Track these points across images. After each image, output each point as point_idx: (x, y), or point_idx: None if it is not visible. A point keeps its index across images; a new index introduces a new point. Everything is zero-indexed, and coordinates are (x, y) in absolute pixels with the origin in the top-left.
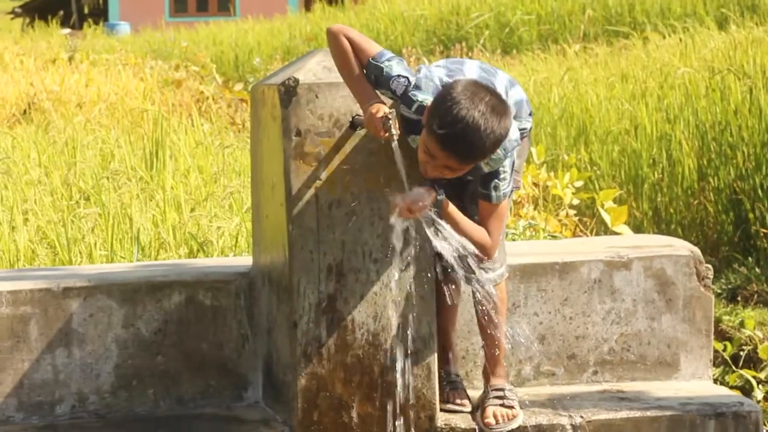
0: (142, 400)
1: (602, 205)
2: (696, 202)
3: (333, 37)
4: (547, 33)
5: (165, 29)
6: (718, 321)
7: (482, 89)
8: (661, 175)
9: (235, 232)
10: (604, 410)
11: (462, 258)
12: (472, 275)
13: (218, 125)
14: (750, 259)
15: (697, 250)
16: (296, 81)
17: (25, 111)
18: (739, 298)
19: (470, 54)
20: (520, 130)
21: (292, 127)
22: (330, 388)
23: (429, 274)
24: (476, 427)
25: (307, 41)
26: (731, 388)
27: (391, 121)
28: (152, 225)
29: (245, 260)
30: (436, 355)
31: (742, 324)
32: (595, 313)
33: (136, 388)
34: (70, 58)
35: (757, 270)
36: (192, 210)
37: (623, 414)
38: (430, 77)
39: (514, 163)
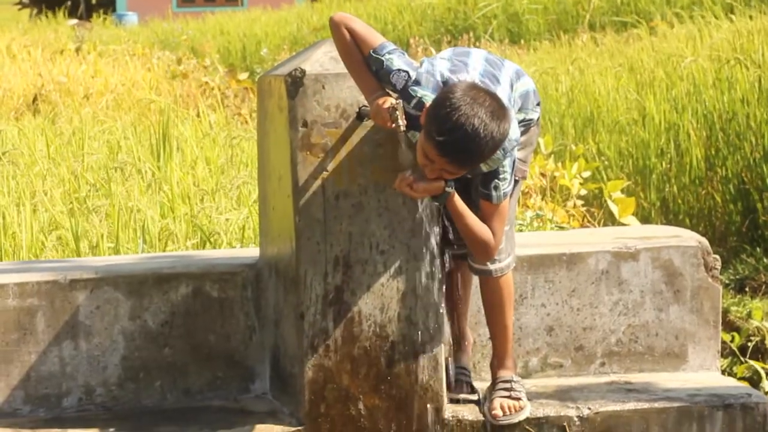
0: (149, 392)
1: (610, 196)
2: (704, 192)
3: (335, 27)
4: (554, 23)
5: (172, 19)
6: (725, 312)
7: (481, 93)
8: (668, 166)
9: (242, 224)
10: (611, 402)
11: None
12: (480, 264)
13: (225, 116)
14: (758, 249)
15: (704, 241)
16: (303, 72)
17: (33, 101)
18: (747, 289)
19: (478, 44)
20: (526, 120)
21: (299, 118)
22: (337, 380)
23: (437, 265)
24: (483, 419)
25: (315, 31)
26: (739, 379)
27: (398, 112)
28: (160, 216)
29: (252, 252)
30: (443, 346)
31: (749, 315)
32: (603, 305)
33: (143, 381)
34: (78, 49)
35: (765, 260)
36: (201, 200)
37: (631, 405)
38: (431, 72)
39: (515, 161)
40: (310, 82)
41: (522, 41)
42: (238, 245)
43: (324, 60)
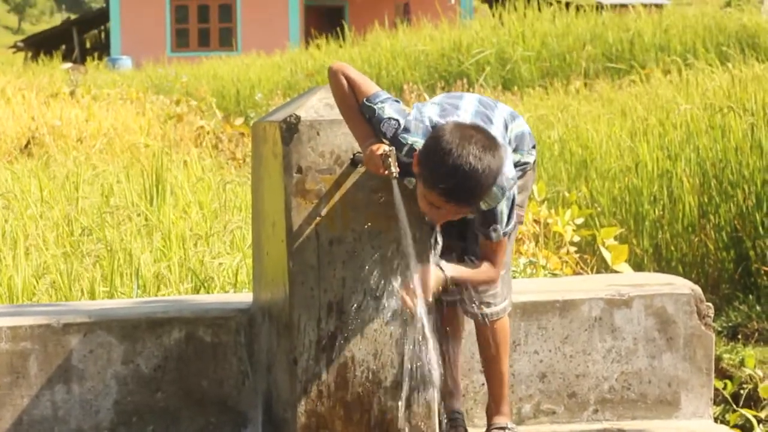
0: None
1: (603, 243)
2: (697, 239)
3: (332, 76)
4: (547, 70)
5: (167, 64)
6: (718, 359)
7: (467, 130)
8: (661, 213)
9: (235, 268)
10: None
11: (462, 290)
12: (476, 309)
13: (219, 160)
14: (751, 296)
15: (697, 289)
16: (297, 118)
17: (26, 145)
18: (739, 336)
19: (471, 90)
20: (523, 164)
21: (293, 164)
22: (330, 425)
23: (430, 311)
24: None
25: (309, 77)
26: (732, 427)
27: (391, 159)
28: (153, 261)
29: (245, 296)
30: (436, 392)
31: (742, 362)
32: (596, 351)
33: (135, 425)
34: (72, 93)
35: (758, 308)
36: (194, 245)
37: None
38: (420, 119)
39: (514, 200)
40: (305, 128)
41: (515, 87)
42: (232, 290)
43: (319, 106)
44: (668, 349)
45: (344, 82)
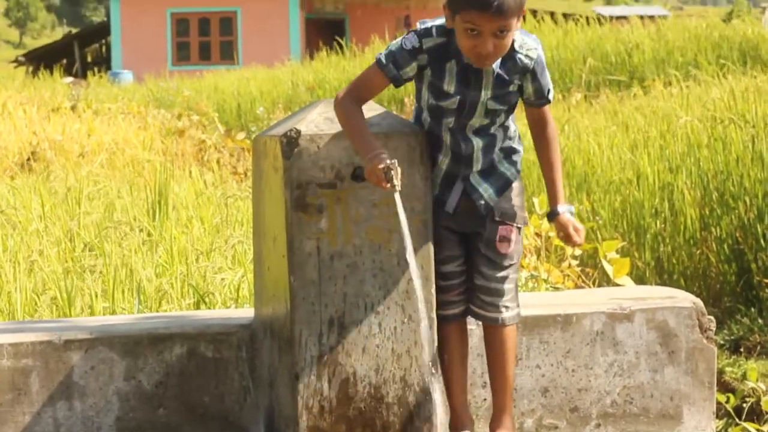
0: None
1: (605, 256)
2: (698, 252)
3: (337, 102)
4: None
5: (168, 77)
6: (720, 372)
7: None
8: (663, 225)
9: (237, 283)
10: None
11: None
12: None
13: (221, 174)
14: (752, 309)
15: (699, 302)
16: (298, 132)
17: (28, 159)
18: (741, 349)
19: None
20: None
21: (294, 178)
22: None
23: (433, 327)
24: None
25: (310, 90)
26: None
27: (393, 172)
28: (155, 276)
29: (247, 312)
30: (439, 407)
31: (745, 375)
32: (598, 366)
33: None
34: (73, 107)
35: (760, 321)
36: (196, 260)
37: None
38: (424, 21)
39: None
40: (306, 142)
41: None
42: (233, 305)
43: (319, 120)
44: (670, 362)
45: (347, 103)
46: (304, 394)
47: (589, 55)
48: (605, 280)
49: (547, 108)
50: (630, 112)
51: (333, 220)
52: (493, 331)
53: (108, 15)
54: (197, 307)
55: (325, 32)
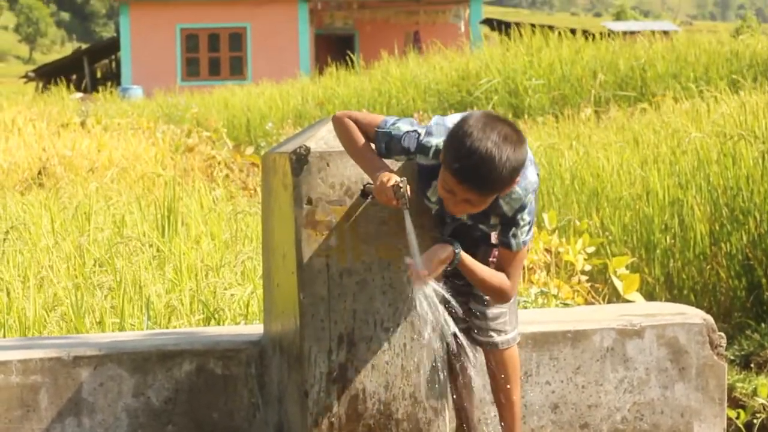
0: None
1: (615, 272)
2: (708, 267)
3: (337, 121)
4: (557, 98)
5: (177, 93)
6: (731, 388)
7: (494, 119)
8: (673, 241)
9: (246, 300)
10: None
11: (472, 318)
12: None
13: (230, 190)
14: (763, 325)
15: (709, 318)
16: (307, 149)
17: (38, 175)
18: (752, 365)
19: None
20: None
21: (303, 195)
22: None
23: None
24: None
25: (319, 105)
26: None
27: (402, 189)
28: (164, 292)
29: (256, 328)
30: (447, 424)
31: (755, 391)
32: (608, 382)
33: None
34: (83, 123)
35: None
36: (206, 276)
37: None
38: (440, 123)
39: (534, 211)
40: (315, 159)
41: (525, 116)
42: (243, 321)
43: (328, 137)
44: (680, 379)
45: (349, 122)
46: (313, 411)
47: (599, 70)
48: (615, 296)
49: (508, 256)
50: (640, 127)
51: (342, 237)
52: (490, 354)
53: (118, 31)
54: (207, 323)
55: (334, 48)
